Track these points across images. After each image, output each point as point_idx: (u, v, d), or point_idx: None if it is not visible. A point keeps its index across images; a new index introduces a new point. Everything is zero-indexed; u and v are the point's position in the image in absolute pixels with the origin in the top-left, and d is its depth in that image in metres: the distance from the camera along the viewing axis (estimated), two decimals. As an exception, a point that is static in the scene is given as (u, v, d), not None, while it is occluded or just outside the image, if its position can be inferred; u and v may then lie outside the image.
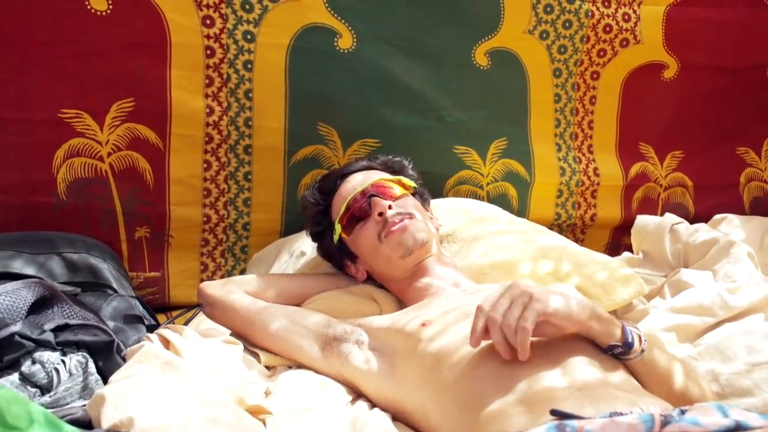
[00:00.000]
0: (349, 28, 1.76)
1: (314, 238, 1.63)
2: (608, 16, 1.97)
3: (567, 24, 1.95)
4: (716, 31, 2.07)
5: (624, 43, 2.01)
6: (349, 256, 1.56)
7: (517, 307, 1.01)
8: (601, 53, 2.02)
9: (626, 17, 1.98)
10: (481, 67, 1.91)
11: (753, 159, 2.26)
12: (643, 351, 1.07)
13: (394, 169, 1.62)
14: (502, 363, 1.06)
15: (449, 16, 1.85)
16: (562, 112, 2.05)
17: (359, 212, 1.50)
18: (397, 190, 1.53)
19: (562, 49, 1.97)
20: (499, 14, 1.88)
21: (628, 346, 1.07)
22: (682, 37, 2.04)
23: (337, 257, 1.59)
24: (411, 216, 1.47)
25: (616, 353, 1.08)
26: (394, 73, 1.84)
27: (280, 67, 1.75)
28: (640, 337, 1.08)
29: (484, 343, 1.08)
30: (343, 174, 1.60)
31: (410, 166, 1.66)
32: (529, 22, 1.92)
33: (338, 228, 1.53)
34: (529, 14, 1.91)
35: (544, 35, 1.94)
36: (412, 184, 1.59)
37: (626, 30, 1.99)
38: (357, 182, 1.55)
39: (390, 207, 1.47)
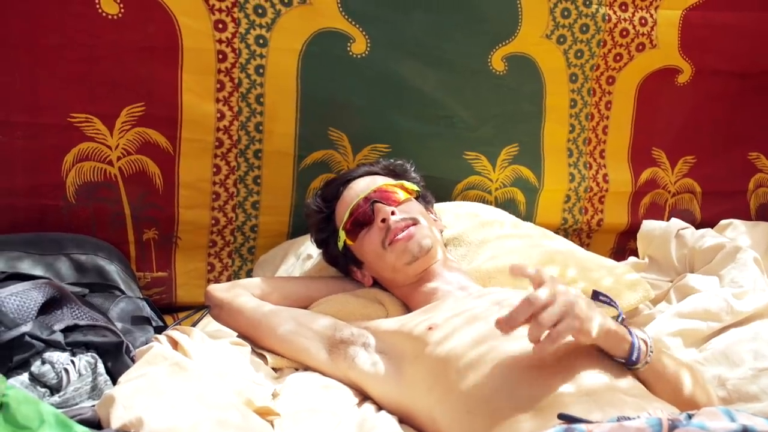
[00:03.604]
0: (364, 33, 1.76)
1: (319, 245, 1.63)
2: (625, 20, 1.96)
3: (584, 28, 1.94)
4: (731, 35, 2.06)
5: (640, 47, 2.00)
6: (355, 262, 1.56)
7: (555, 314, 0.98)
8: (618, 58, 2.01)
9: (643, 21, 1.98)
10: (497, 73, 1.90)
11: (764, 164, 2.26)
12: (647, 363, 1.07)
13: (396, 173, 1.62)
14: (511, 368, 1.07)
15: (466, 21, 1.84)
16: (577, 117, 2.04)
17: (363, 218, 1.49)
18: (401, 195, 1.52)
19: (579, 54, 1.97)
20: (518, 18, 1.87)
21: (632, 361, 1.06)
22: (698, 41, 2.03)
23: (343, 263, 1.59)
24: (415, 222, 1.47)
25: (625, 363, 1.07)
26: (407, 78, 1.84)
27: (292, 72, 1.75)
28: (646, 344, 1.07)
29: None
30: (346, 180, 1.59)
31: (413, 169, 1.65)
32: (547, 26, 1.91)
33: (342, 235, 1.53)
34: (547, 18, 1.90)
35: (562, 39, 1.94)
36: (415, 188, 1.59)
37: (642, 34, 1.99)
38: (360, 188, 1.54)
39: (393, 213, 1.46)
